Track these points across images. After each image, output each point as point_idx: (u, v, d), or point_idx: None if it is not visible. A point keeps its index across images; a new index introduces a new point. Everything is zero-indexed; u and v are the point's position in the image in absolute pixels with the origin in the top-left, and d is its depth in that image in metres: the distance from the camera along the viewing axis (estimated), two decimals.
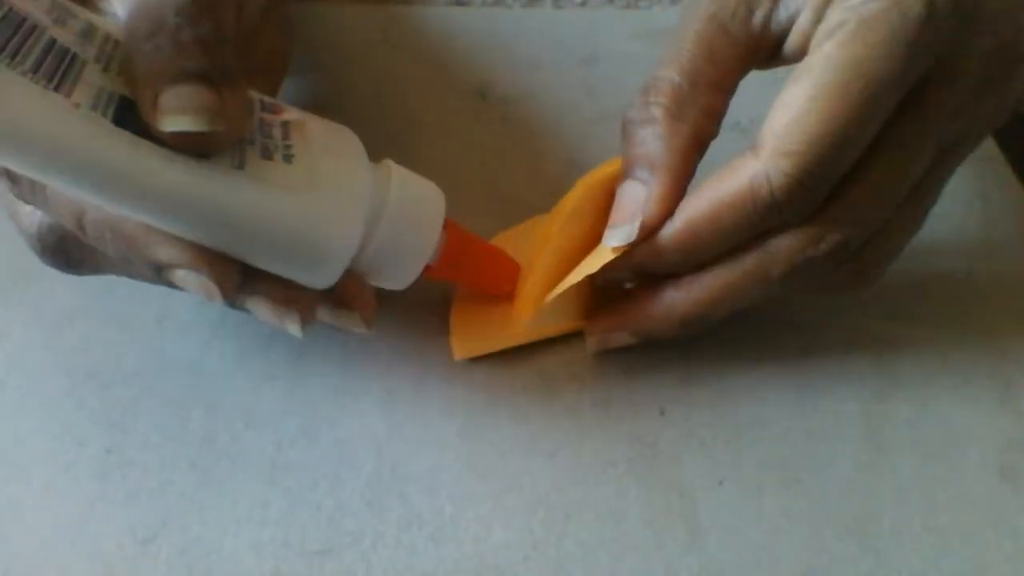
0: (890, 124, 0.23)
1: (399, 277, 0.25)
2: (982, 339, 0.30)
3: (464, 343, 0.28)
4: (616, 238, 0.25)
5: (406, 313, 0.30)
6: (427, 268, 0.26)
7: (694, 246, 0.25)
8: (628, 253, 0.26)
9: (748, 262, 0.25)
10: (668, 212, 0.25)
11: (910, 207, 0.25)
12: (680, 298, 0.26)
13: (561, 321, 0.29)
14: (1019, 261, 0.33)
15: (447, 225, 0.26)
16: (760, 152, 0.24)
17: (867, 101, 0.22)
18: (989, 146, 0.37)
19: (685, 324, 0.26)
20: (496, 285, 0.28)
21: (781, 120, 0.23)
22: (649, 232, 0.25)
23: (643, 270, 0.26)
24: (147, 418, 0.27)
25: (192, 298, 0.30)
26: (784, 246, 0.24)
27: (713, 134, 0.26)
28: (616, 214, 0.26)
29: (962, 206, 0.35)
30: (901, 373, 0.29)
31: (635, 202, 0.25)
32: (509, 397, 0.28)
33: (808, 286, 0.26)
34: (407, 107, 0.38)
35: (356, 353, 0.29)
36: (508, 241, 0.30)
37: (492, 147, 0.36)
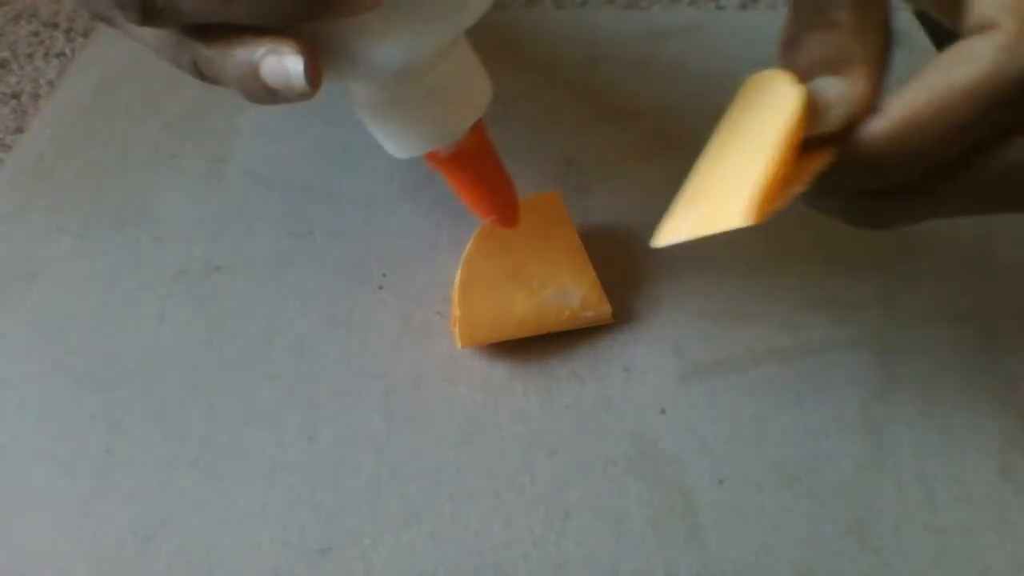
0: None
1: (427, 130, 0.24)
2: (982, 339, 0.30)
3: (470, 332, 0.28)
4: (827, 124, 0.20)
5: (406, 312, 0.30)
6: (441, 156, 0.25)
7: (917, 149, 0.20)
8: (828, 162, 0.20)
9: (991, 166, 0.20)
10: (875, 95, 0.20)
11: None
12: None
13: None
14: (1018, 261, 0.33)
15: (478, 123, 0.25)
16: (997, 31, 0.19)
17: None
18: None
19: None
20: (491, 206, 0.27)
21: None
22: (857, 119, 0.20)
23: (848, 185, 0.21)
24: (147, 418, 0.27)
25: (192, 298, 0.30)
26: (1010, 153, 0.20)
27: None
28: (815, 116, 0.20)
29: None
30: (901, 373, 0.29)
31: (839, 95, 0.20)
32: (509, 396, 0.28)
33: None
34: None
35: (356, 353, 0.29)
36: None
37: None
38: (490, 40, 0.42)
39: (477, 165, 0.26)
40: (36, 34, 0.44)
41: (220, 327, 0.30)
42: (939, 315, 0.30)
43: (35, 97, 0.41)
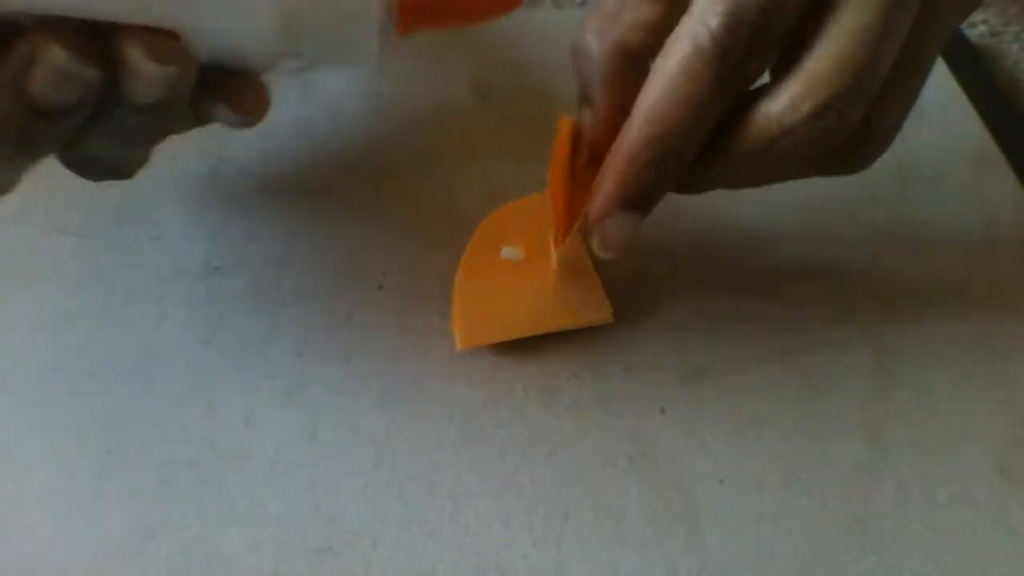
0: None
1: (351, 44, 0.22)
2: (982, 339, 0.30)
3: (468, 332, 0.28)
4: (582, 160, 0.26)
5: (406, 311, 0.30)
6: (399, 25, 0.24)
7: (667, 134, 0.23)
8: (610, 172, 0.24)
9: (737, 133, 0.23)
10: (612, 128, 0.24)
11: (903, 70, 0.23)
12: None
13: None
14: (1019, 262, 0.33)
15: None
16: (693, 8, 0.22)
17: None
18: (989, 146, 0.37)
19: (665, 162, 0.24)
20: (485, 6, 0.27)
21: None
22: (600, 151, 0.25)
23: (627, 171, 0.24)
24: (147, 418, 0.27)
25: (192, 298, 0.30)
26: (761, 112, 0.22)
27: (646, 43, 0.25)
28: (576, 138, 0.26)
29: (962, 206, 0.35)
30: (901, 373, 0.29)
31: (586, 129, 0.26)
32: (509, 396, 0.28)
33: (799, 164, 0.24)
34: (407, 107, 0.38)
35: (356, 353, 0.29)
36: (502, 218, 0.31)
37: (492, 147, 0.36)
38: (491, 40, 0.42)
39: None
40: None
41: (220, 327, 0.30)
42: (939, 315, 0.30)
43: None
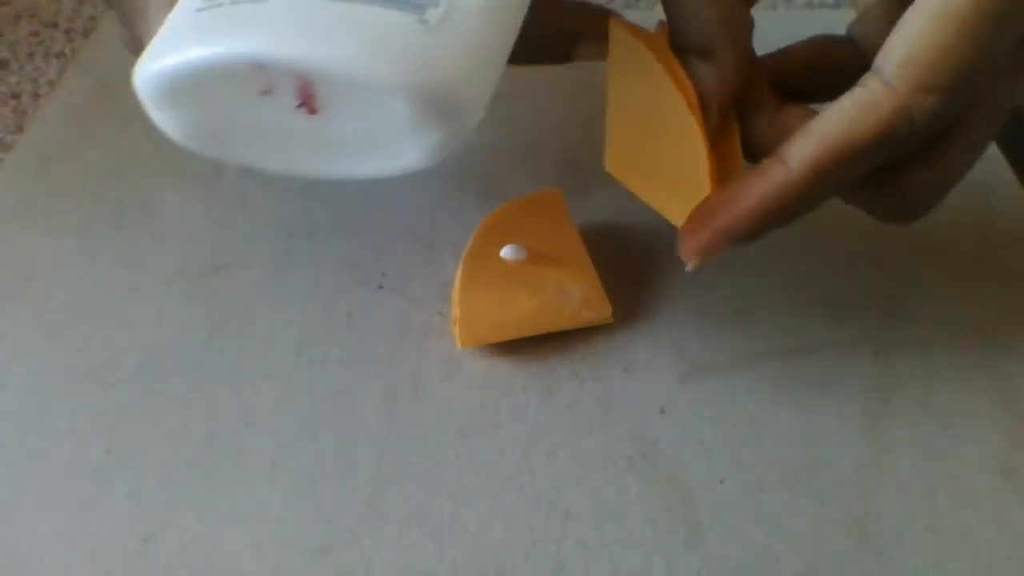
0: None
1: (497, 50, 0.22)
2: (982, 339, 0.30)
3: (468, 332, 0.28)
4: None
5: (406, 312, 0.30)
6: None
7: (818, 191, 0.23)
8: (744, 208, 0.23)
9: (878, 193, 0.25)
10: (740, 86, 0.24)
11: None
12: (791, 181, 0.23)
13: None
14: (1019, 261, 0.33)
15: None
16: (898, 85, 0.22)
17: (1003, 29, 0.21)
18: (989, 146, 0.37)
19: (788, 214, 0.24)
20: None
21: (921, 47, 0.21)
22: (724, 110, 0.24)
23: (762, 224, 0.24)
24: (147, 418, 0.27)
25: (192, 298, 0.30)
26: (908, 184, 0.24)
27: None
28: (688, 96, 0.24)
29: (962, 206, 0.34)
30: (901, 373, 0.29)
31: (708, 85, 0.24)
32: (509, 396, 0.28)
33: (871, 206, 0.26)
34: None
35: (356, 353, 0.29)
36: (502, 217, 0.31)
37: (492, 147, 0.36)
38: None
39: None
40: (36, 34, 0.44)
41: (220, 327, 0.30)
42: (939, 315, 0.30)
43: (35, 97, 0.41)
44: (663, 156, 0.26)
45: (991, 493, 0.26)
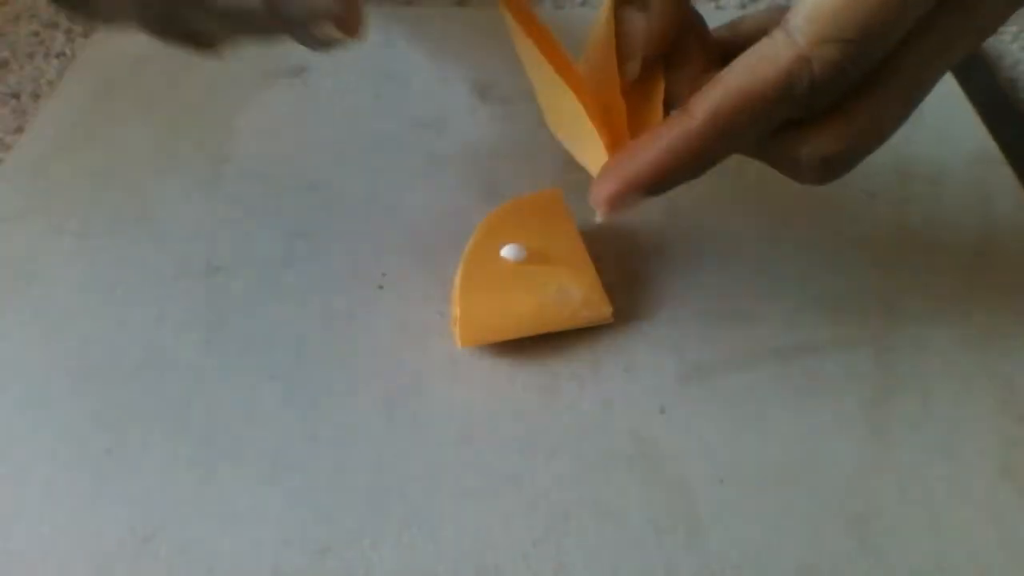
0: (930, 14, 0.22)
1: None
2: (982, 339, 0.30)
3: (468, 332, 0.28)
4: (626, 72, 0.25)
5: (406, 312, 0.30)
6: None
7: (720, 141, 0.23)
8: (650, 156, 0.24)
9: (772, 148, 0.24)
10: (669, 40, 0.25)
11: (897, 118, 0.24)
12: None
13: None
14: (1019, 262, 0.33)
15: None
16: (799, 37, 0.22)
17: None
18: (989, 146, 0.37)
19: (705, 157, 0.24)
20: None
21: (826, 1, 0.21)
22: (650, 60, 0.25)
23: (667, 173, 0.24)
24: (147, 418, 0.27)
25: (192, 298, 0.30)
26: (806, 142, 0.23)
27: None
28: (621, 48, 0.25)
29: (962, 206, 0.35)
30: (901, 373, 0.29)
31: (635, 33, 0.25)
32: (509, 396, 0.28)
33: (797, 173, 0.25)
34: (408, 107, 0.39)
35: (356, 353, 0.29)
36: (502, 217, 0.31)
37: (492, 147, 0.36)
38: (491, 40, 0.42)
39: None
40: (36, 34, 0.44)
41: (220, 327, 0.30)
42: (939, 315, 0.30)
43: (35, 97, 0.41)
44: (567, 120, 0.27)
45: (991, 493, 0.26)
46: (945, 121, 0.38)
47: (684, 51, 0.26)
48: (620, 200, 0.24)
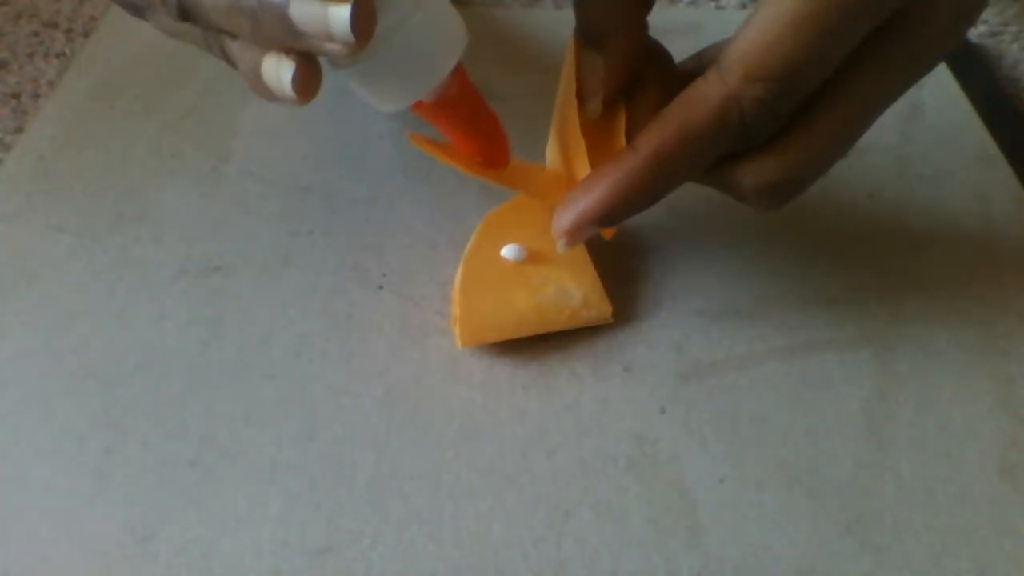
0: (861, 48, 0.23)
1: (408, 81, 0.24)
2: (982, 339, 0.30)
3: (468, 332, 0.28)
4: (588, 111, 0.27)
5: (406, 312, 0.30)
6: (425, 104, 0.25)
7: (662, 176, 0.24)
8: (599, 193, 0.25)
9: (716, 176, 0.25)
10: (627, 79, 0.26)
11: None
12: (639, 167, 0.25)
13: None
14: (1019, 261, 0.33)
15: (458, 68, 0.25)
16: (728, 77, 0.23)
17: (843, 28, 0.22)
18: (989, 146, 0.37)
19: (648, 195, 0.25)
20: (481, 147, 0.27)
21: (752, 42, 0.22)
22: (610, 99, 0.26)
23: (617, 207, 0.25)
24: (147, 418, 0.27)
25: (192, 298, 0.30)
26: (744, 172, 0.24)
27: None
28: (581, 88, 0.27)
29: (962, 206, 0.35)
30: (901, 373, 0.29)
31: (595, 73, 0.26)
32: (509, 396, 0.28)
33: (744, 198, 0.26)
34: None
35: (356, 353, 0.29)
36: (502, 217, 0.31)
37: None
38: (490, 40, 0.42)
39: (461, 109, 0.26)
40: (36, 34, 0.44)
41: (220, 327, 0.30)
42: (939, 315, 0.30)
43: (35, 97, 0.41)
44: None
45: (991, 493, 0.26)
46: (945, 121, 0.38)
47: (644, 85, 0.27)
48: (577, 232, 0.25)
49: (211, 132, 0.37)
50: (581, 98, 0.27)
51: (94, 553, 0.24)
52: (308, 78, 0.22)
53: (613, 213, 0.25)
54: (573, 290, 0.29)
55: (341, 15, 0.20)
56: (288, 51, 0.22)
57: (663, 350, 0.29)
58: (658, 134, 0.24)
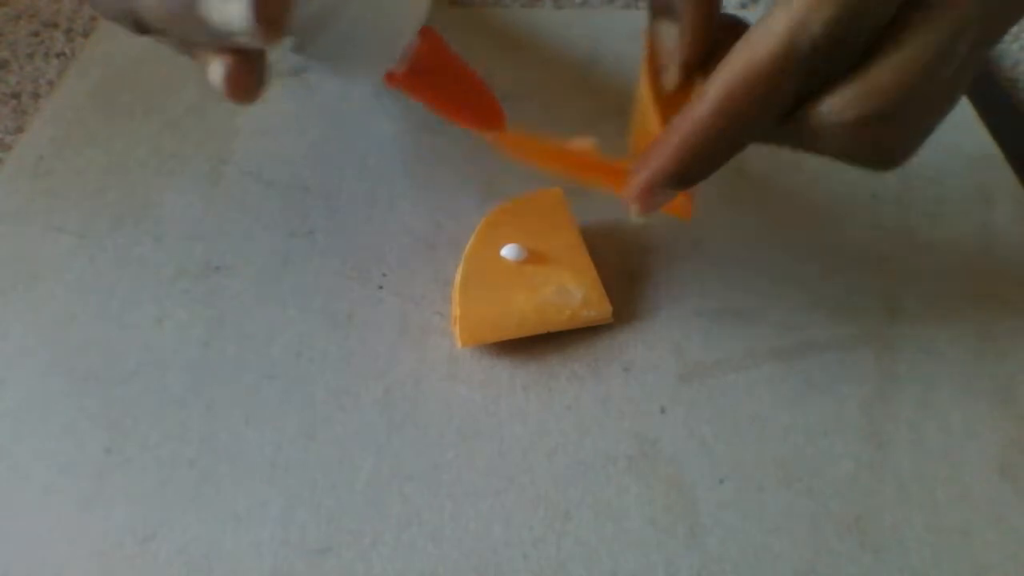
0: None
1: (369, 52, 0.23)
2: (982, 339, 0.30)
3: (468, 332, 0.28)
4: (667, 82, 0.26)
5: (406, 312, 0.30)
6: (397, 76, 0.24)
7: (734, 123, 0.22)
8: (669, 148, 0.23)
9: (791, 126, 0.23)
10: (703, 44, 0.25)
11: (949, 80, 0.23)
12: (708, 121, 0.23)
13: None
14: (1019, 261, 0.33)
15: (425, 31, 0.24)
16: (794, 2, 0.21)
17: None
18: (989, 146, 0.37)
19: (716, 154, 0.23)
20: (473, 113, 0.26)
21: None
22: (689, 68, 0.25)
23: (688, 162, 0.23)
24: (147, 418, 0.27)
25: (192, 298, 0.30)
26: (816, 108, 0.22)
27: None
28: (658, 60, 0.26)
29: (962, 206, 0.35)
30: (901, 373, 0.29)
31: (670, 42, 0.25)
32: (509, 396, 0.28)
33: (839, 155, 0.24)
34: (407, 107, 0.38)
35: (356, 353, 0.29)
36: (502, 217, 0.31)
37: (492, 147, 0.36)
38: (490, 40, 0.42)
39: (439, 76, 0.25)
40: (36, 34, 0.44)
41: (220, 327, 0.30)
42: (939, 315, 0.30)
43: (35, 97, 0.41)
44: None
45: (991, 493, 0.26)
46: (945, 121, 0.38)
47: (721, 56, 0.25)
48: (649, 195, 0.24)
49: (211, 132, 0.37)
50: (658, 72, 0.26)
51: (94, 553, 0.24)
52: (238, 76, 0.22)
53: (685, 169, 0.23)
54: (573, 290, 0.29)
55: (237, 10, 0.19)
56: (220, 51, 0.22)
57: (663, 350, 0.29)
58: (724, 76, 0.22)
